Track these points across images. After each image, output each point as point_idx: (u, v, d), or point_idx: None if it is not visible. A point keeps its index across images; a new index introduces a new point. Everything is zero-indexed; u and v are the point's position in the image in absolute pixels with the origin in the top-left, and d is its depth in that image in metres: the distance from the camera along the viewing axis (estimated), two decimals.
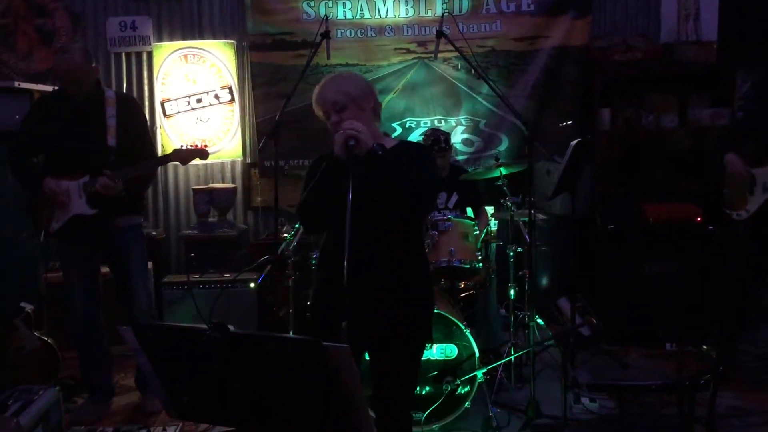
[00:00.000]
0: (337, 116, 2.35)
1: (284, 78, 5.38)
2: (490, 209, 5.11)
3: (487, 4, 5.44)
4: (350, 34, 5.45)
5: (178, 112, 5.47)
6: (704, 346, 2.90)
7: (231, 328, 1.57)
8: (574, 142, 3.80)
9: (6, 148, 3.71)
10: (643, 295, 4.79)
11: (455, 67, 5.50)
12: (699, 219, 4.74)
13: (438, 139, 4.31)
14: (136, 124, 3.70)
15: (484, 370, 3.58)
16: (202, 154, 3.64)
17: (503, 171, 4.19)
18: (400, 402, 2.45)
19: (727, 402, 3.70)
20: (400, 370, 2.41)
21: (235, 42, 5.52)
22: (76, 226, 3.57)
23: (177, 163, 3.78)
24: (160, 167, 4.20)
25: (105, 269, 3.83)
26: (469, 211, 4.55)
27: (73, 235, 3.60)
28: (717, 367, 2.72)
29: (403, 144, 2.55)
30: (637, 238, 4.88)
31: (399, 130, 5.54)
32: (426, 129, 4.66)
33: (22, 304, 3.98)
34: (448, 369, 3.51)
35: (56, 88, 5.25)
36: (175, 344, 1.71)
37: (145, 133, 3.79)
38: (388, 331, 2.34)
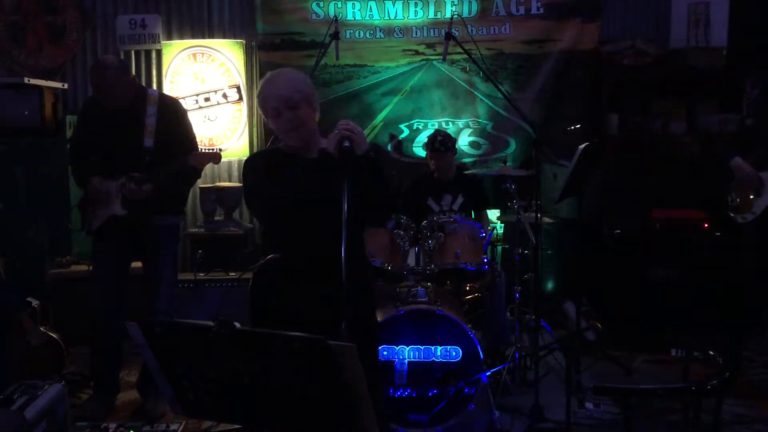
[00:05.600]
0: (291, 113, 2.33)
1: None
2: (496, 212, 5.12)
3: (497, 7, 5.44)
4: (359, 35, 5.45)
5: (186, 111, 5.48)
6: (710, 352, 2.88)
7: (237, 325, 1.58)
8: (582, 146, 3.79)
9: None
10: (649, 300, 4.79)
11: (463, 70, 5.50)
12: (706, 225, 4.73)
13: (434, 140, 4.33)
14: (176, 126, 3.70)
15: (489, 372, 3.57)
16: (215, 158, 3.66)
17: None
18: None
19: (733, 409, 3.68)
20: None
21: (244, 41, 5.53)
22: (112, 226, 3.63)
23: None
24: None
25: (137, 263, 3.87)
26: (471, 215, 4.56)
27: (109, 233, 3.66)
28: (723, 373, 2.71)
29: None
30: (644, 244, 4.87)
31: (406, 132, 5.55)
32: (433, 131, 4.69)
33: (29, 299, 3.99)
34: (453, 371, 3.51)
35: (65, 85, 5.32)
36: (181, 341, 1.71)
37: (185, 135, 3.75)
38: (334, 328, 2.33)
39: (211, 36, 5.56)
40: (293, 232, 2.39)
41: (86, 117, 3.80)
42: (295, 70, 2.58)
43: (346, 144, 2.17)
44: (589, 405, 3.72)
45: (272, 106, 2.35)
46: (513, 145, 5.55)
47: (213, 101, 5.53)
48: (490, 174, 4.48)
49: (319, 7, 5.41)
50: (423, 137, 5.46)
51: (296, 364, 1.55)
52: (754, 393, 3.95)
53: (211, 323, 1.59)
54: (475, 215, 4.50)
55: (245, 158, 2.57)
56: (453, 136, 4.80)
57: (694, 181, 5.05)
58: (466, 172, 4.46)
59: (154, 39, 5.52)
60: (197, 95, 5.52)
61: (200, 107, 5.51)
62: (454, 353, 3.54)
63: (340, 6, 5.40)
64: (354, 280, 2.38)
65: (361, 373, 1.52)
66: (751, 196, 4.09)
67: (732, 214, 4.20)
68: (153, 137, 3.56)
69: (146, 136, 3.55)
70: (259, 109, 2.42)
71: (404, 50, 5.48)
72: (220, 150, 3.71)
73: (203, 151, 3.71)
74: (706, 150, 5.15)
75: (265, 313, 2.48)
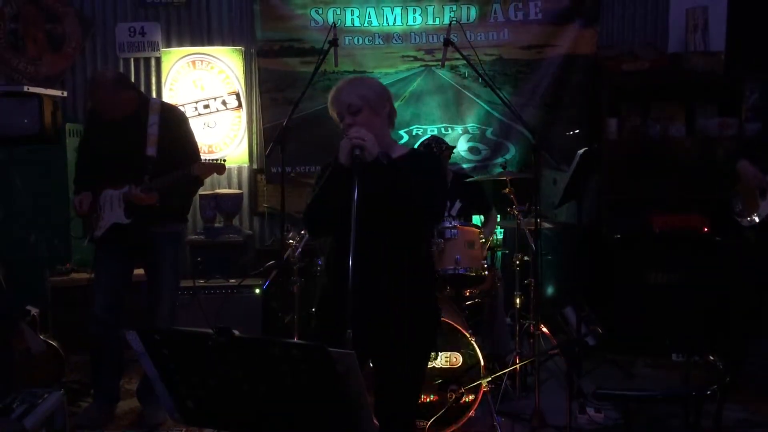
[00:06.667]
0: (351, 119, 2.34)
1: (292, 84, 5.39)
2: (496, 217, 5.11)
3: (495, 13, 5.45)
4: (358, 42, 5.46)
5: (188, 119, 5.48)
6: (711, 357, 2.88)
7: (236, 332, 1.57)
8: (581, 150, 3.80)
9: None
10: (650, 305, 4.78)
11: (462, 75, 5.50)
12: (706, 229, 4.73)
13: (429, 144, 4.36)
14: (178, 134, 3.70)
15: (489, 378, 3.57)
16: (219, 168, 3.66)
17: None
18: (404, 411, 2.44)
19: (734, 414, 3.67)
20: (403, 378, 2.41)
21: (243, 48, 5.54)
22: (115, 234, 3.63)
23: None
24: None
25: (140, 271, 3.86)
26: (476, 219, 4.55)
27: (112, 242, 3.65)
28: (724, 378, 2.70)
29: (413, 153, 2.54)
30: (644, 248, 4.87)
31: (405, 138, 5.55)
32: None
33: (28, 307, 3.99)
34: (453, 377, 3.51)
35: (65, 93, 5.33)
36: (181, 349, 1.71)
37: (187, 144, 3.75)
38: (393, 339, 2.34)
39: (210, 43, 5.57)
40: (344, 241, 2.38)
41: (90, 126, 3.82)
42: (371, 78, 2.57)
43: (357, 152, 2.18)
44: (590, 410, 3.71)
45: (337, 111, 2.39)
46: (513, 151, 5.56)
47: (212, 108, 5.54)
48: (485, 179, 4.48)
49: (318, 14, 5.42)
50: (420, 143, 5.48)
51: (295, 371, 1.55)
52: (755, 397, 3.94)
53: (210, 331, 1.59)
54: (481, 217, 4.50)
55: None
56: (451, 142, 4.80)
57: (693, 185, 5.06)
58: (468, 179, 4.45)
59: (154, 47, 5.54)
60: (196, 102, 5.53)
61: (199, 114, 5.52)
62: (454, 359, 3.54)
63: (338, 13, 5.41)
64: (412, 284, 2.39)
65: (362, 380, 1.52)
66: (756, 199, 4.08)
67: (737, 218, 4.19)
68: (155, 146, 3.56)
69: (149, 145, 3.56)
70: (331, 114, 2.44)
71: (403, 56, 5.49)
72: (224, 160, 3.70)
73: (207, 161, 3.70)
74: (706, 154, 5.15)
75: (330, 315, 2.48)
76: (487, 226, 4.45)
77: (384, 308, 2.30)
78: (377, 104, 2.38)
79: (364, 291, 2.05)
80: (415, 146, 5.45)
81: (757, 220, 4.07)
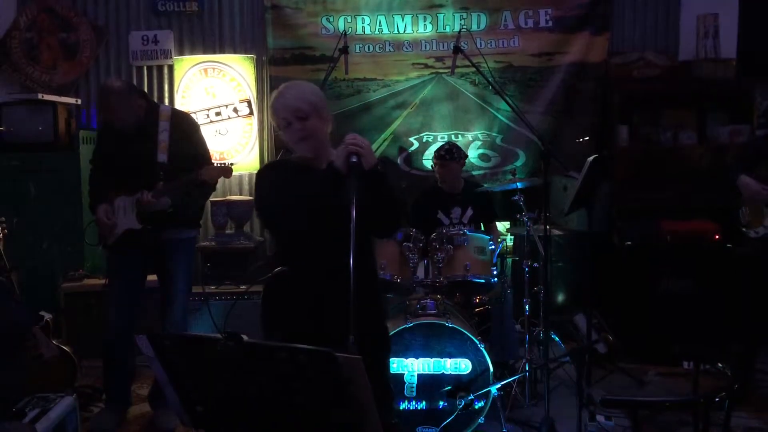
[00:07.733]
0: (300, 124, 2.36)
1: None
2: (505, 224, 5.11)
3: (505, 20, 5.47)
4: (368, 49, 5.49)
5: (199, 125, 5.52)
6: (720, 365, 2.87)
7: (245, 338, 1.59)
8: (591, 158, 3.79)
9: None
10: (660, 312, 4.76)
11: (473, 83, 5.52)
12: (717, 236, 4.71)
13: (441, 148, 4.42)
14: (189, 140, 3.72)
15: (498, 385, 3.57)
16: (226, 172, 3.69)
17: (519, 186, 4.19)
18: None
19: (744, 422, 3.65)
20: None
21: (254, 56, 5.58)
22: (128, 240, 3.66)
23: None
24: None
25: (152, 276, 3.89)
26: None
27: (125, 248, 3.68)
28: (733, 386, 2.69)
29: None
30: (655, 256, 4.85)
31: (416, 145, 5.57)
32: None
33: (41, 313, 4.02)
34: (462, 384, 3.50)
35: (78, 101, 5.38)
36: (190, 353, 1.73)
37: (198, 149, 3.78)
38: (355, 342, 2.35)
39: (222, 51, 5.61)
40: (303, 244, 2.41)
41: (102, 136, 3.86)
42: (307, 82, 2.59)
43: (354, 159, 2.19)
44: (600, 417, 3.69)
45: (282, 117, 2.38)
46: (523, 158, 5.56)
47: (224, 115, 5.58)
48: (497, 189, 4.49)
49: (329, 21, 5.46)
50: (432, 150, 5.48)
51: (303, 376, 1.57)
52: (765, 405, 3.92)
53: (219, 336, 1.61)
54: (484, 228, 4.50)
55: (257, 170, 2.59)
56: (462, 149, 4.81)
57: (704, 192, 5.04)
58: (478, 190, 4.46)
59: (166, 54, 5.59)
60: (208, 110, 5.57)
61: (211, 121, 5.56)
62: (463, 366, 3.53)
63: (349, 20, 5.44)
64: (362, 292, 2.40)
65: (368, 385, 1.53)
66: (762, 211, 4.07)
67: (744, 229, 4.18)
68: (166, 152, 3.60)
69: (160, 151, 3.59)
70: (272, 120, 2.45)
71: (414, 64, 5.52)
72: (231, 164, 3.72)
73: (215, 165, 3.73)
74: (717, 161, 5.14)
75: (277, 326, 2.50)
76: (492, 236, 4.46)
77: (340, 309, 2.29)
78: (323, 111, 2.41)
79: (325, 291, 2.07)
80: (429, 153, 5.48)
81: (764, 231, 4.06)
